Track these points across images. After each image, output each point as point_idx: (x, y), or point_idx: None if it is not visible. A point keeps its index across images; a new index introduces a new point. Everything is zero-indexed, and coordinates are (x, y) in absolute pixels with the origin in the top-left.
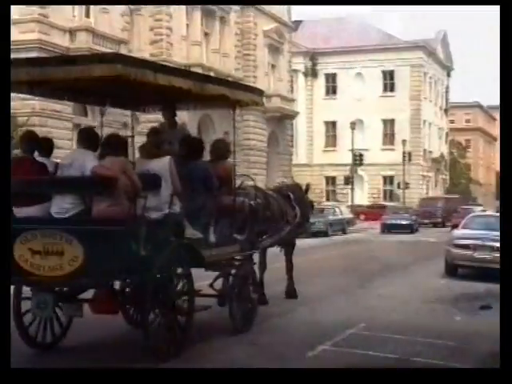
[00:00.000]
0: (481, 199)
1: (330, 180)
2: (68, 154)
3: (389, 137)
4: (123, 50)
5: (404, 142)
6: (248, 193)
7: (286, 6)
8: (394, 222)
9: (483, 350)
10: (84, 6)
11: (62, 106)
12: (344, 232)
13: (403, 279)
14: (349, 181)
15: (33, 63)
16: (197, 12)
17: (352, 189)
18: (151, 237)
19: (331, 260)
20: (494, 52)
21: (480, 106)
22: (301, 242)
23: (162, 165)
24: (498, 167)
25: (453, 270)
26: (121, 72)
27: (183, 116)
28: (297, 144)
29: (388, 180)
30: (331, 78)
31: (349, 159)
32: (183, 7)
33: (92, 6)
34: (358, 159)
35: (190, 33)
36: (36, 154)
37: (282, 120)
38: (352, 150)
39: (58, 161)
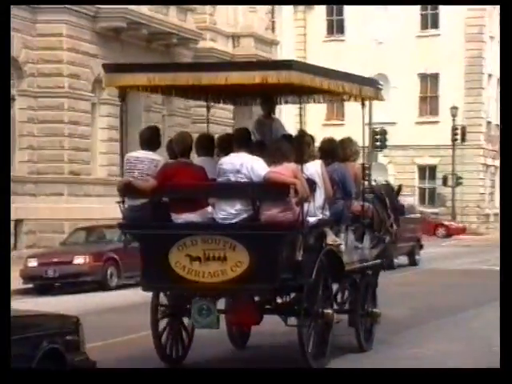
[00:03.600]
0: None
1: None
2: (230, 159)
3: (429, 102)
4: None
5: (454, 110)
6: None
7: None
8: None
9: None
10: None
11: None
12: None
13: (453, 331)
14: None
15: (199, 68)
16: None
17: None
18: (306, 242)
19: None
20: None
21: None
22: None
23: (315, 169)
24: None
25: None
26: (298, 79)
27: None
28: (280, 114)
29: (428, 172)
30: (336, 9)
31: (364, 139)
32: None
33: None
34: (378, 139)
35: None
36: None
37: None
38: (369, 125)
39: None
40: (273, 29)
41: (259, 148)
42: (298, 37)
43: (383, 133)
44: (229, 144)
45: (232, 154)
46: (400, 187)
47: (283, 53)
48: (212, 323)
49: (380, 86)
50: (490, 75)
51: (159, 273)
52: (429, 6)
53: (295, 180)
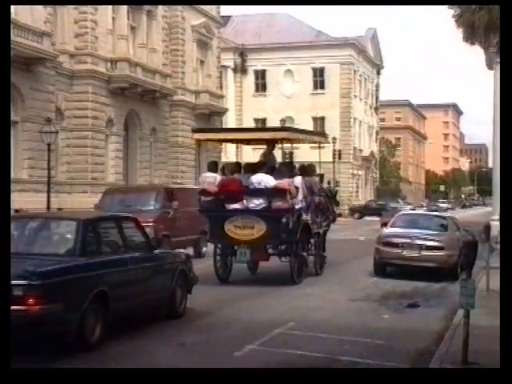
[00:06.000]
0: (410, 197)
1: None
2: (256, 176)
3: None
4: (46, 42)
5: (334, 139)
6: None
7: None
8: None
9: (410, 348)
10: None
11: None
12: None
13: (332, 278)
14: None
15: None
16: (123, 5)
17: None
18: (294, 219)
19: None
20: (423, 50)
21: (410, 105)
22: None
23: (298, 181)
24: (427, 165)
25: (381, 268)
26: (288, 136)
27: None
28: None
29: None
30: (261, 75)
31: (278, 158)
32: None
33: None
34: (287, 157)
35: (116, 26)
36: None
37: (211, 117)
38: (282, 149)
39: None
40: (221, 87)
41: (270, 170)
42: (237, 93)
43: (291, 153)
44: (253, 168)
45: (258, 174)
46: (328, 184)
47: (227, 103)
48: (246, 260)
49: (328, 137)
50: (355, 118)
51: (219, 234)
52: (318, 75)
53: (290, 187)
